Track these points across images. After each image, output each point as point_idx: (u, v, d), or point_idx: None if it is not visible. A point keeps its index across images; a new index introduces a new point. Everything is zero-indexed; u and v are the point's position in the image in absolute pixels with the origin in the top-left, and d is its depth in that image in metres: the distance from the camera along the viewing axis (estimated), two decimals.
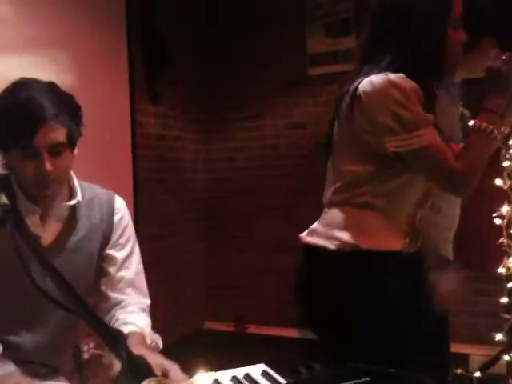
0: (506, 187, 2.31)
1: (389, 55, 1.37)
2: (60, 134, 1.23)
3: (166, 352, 1.38)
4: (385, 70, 1.35)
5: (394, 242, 1.40)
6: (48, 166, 1.21)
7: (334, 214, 1.43)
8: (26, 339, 1.32)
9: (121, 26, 3.28)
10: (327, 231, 1.42)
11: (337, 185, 1.45)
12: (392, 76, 1.32)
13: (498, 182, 2.31)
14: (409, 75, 1.33)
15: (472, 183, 1.36)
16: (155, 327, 1.44)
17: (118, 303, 1.40)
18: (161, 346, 1.38)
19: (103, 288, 1.41)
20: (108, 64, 3.17)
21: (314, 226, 1.49)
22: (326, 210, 1.49)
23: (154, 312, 1.47)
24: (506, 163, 2.31)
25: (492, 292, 2.83)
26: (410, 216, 1.44)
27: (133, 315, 1.37)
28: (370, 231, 1.38)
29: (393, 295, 1.36)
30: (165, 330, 1.41)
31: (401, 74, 1.33)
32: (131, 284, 1.42)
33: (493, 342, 2.37)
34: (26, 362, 1.26)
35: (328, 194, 1.49)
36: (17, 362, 1.22)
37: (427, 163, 1.34)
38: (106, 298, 1.40)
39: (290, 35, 3.87)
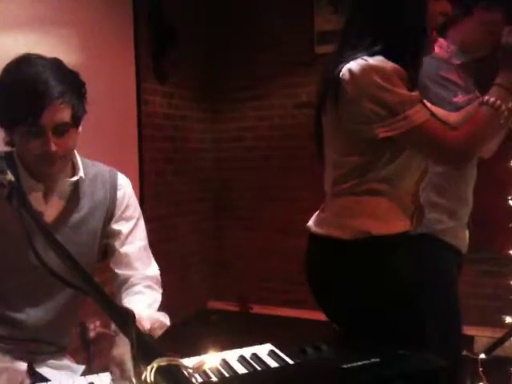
0: None
1: (368, 35, 1.33)
2: (65, 114, 1.21)
3: (171, 331, 1.37)
4: (366, 50, 1.31)
5: (401, 224, 1.40)
6: (53, 145, 1.20)
7: (342, 203, 1.42)
8: (30, 316, 1.32)
9: (127, 4, 3.24)
10: (339, 220, 1.40)
11: (336, 175, 1.43)
12: (370, 60, 1.29)
13: None
14: (392, 53, 1.29)
15: (469, 154, 1.35)
16: (160, 306, 1.43)
17: (125, 280, 1.40)
18: (167, 324, 1.36)
19: (112, 265, 1.42)
20: (114, 42, 3.14)
21: (322, 215, 1.47)
22: (330, 199, 1.47)
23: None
24: None
25: (500, 274, 2.82)
26: (413, 194, 1.43)
27: (136, 297, 1.36)
28: (380, 217, 1.37)
29: (407, 274, 1.37)
30: (170, 310, 1.40)
31: (379, 57, 1.29)
32: (137, 258, 1.41)
33: (499, 324, 2.36)
34: (30, 340, 1.26)
35: (329, 183, 1.47)
36: (21, 340, 1.22)
37: (419, 142, 1.32)
38: (115, 275, 1.41)
39: (297, 13, 3.81)
